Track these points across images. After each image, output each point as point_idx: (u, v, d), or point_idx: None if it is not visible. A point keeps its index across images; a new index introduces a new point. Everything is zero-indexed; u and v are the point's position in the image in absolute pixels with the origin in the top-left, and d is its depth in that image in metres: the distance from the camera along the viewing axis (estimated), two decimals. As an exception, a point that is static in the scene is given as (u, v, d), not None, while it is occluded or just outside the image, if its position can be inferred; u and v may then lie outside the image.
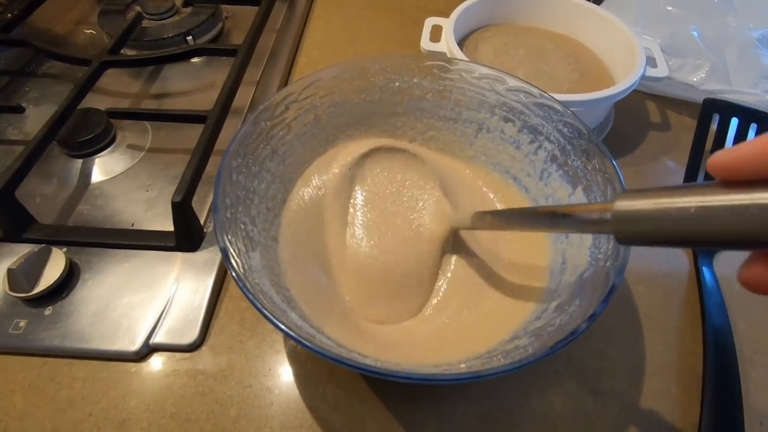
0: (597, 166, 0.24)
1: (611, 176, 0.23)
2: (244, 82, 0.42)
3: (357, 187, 0.29)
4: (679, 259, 0.33)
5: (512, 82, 0.28)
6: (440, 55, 0.39)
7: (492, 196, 0.31)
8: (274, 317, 0.17)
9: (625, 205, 0.13)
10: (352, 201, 0.29)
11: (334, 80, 0.29)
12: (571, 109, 0.33)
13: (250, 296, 0.18)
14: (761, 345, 0.29)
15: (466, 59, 0.36)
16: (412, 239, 0.27)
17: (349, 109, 0.30)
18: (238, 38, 0.50)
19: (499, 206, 0.30)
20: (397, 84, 0.30)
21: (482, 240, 0.29)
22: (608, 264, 0.20)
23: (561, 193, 0.27)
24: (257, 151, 0.26)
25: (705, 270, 0.31)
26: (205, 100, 0.42)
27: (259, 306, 0.18)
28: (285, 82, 0.46)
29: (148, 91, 0.43)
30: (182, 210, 0.29)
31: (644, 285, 0.31)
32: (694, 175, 0.35)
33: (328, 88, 0.29)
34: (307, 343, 0.17)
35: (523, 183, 0.30)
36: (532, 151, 0.29)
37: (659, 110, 0.44)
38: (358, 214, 0.28)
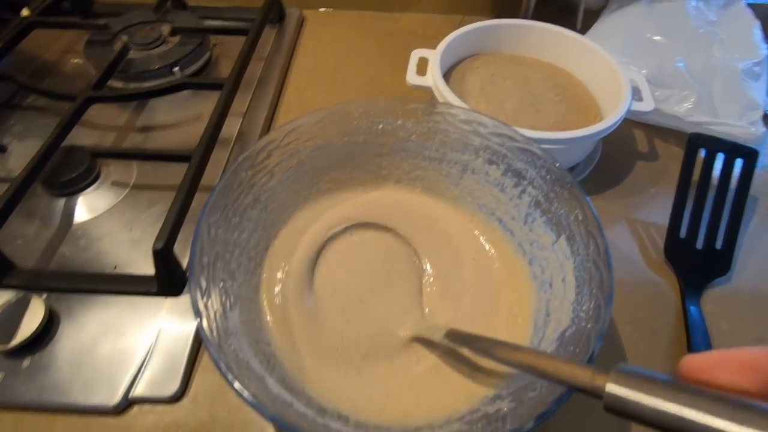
0: (580, 217, 0.24)
1: (593, 230, 0.23)
2: (231, 114, 0.41)
3: (328, 259, 0.29)
4: (666, 296, 0.33)
5: (495, 127, 0.28)
6: (426, 91, 0.39)
7: (485, 243, 0.30)
8: (245, 391, 0.17)
9: (617, 390, 0.14)
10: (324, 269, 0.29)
11: (317, 125, 0.29)
12: (558, 145, 0.34)
13: (222, 366, 0.18)
14: (749, 389, 0.28)
15: (451, 97, 0.35)
16: (376, 329, 0.26)
17: (333, 151, 0.30)
18: (226, 66, 0.50)
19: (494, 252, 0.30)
20: (381, 126, 0.30)
21: (466, 282, 0.29)
22: (589, 326, 0.20)
23: (545, 240, 0.27)
24: (238, 201, 0.26)
25: (692, 309, 0.31)
26: (192, 133, 0.42)
27: (230, 379, 0.17)
28: (272, 114, 0.45)
29: (134, 124, 0.43)
30: (164, 257, 0.28)
31: (632, 325, 0.31)
32: (681, 205, 0.35)
33: (311, 132, 0.29)
34: (279, 418, 0.17)
35: (508, 226, 0.30)
36: (516, 194, 0.29)
37: (647, 139, 0.44)
38: (330, 279, 0.28)
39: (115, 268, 0.32)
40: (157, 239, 0.28)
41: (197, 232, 0.22)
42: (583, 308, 0.21)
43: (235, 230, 0.25)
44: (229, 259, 0.24)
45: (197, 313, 0.20)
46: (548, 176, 0.26)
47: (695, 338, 0.29)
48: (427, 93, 0.40)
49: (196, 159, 0.34)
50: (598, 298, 0.21)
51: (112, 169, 0.38)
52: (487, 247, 0.30)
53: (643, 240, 0.36)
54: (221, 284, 0.23)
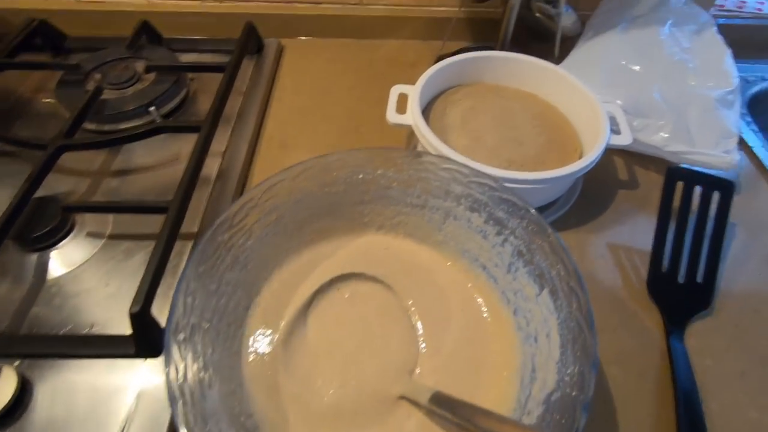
0: (562, 273, 0.24)
1: (576, 288, 0.23)
2: (211, 154, 0.41)
3: (317, 313, 0.28)
4: (650, 332, 0.33)
5: (475, 175, 0.28)
6: (406, 129, 0.39)
7: (472, 290, 0.30)
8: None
9: None
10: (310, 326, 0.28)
11: (295, 180, 0.28)
12: (538, 185, 0.34)
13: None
14: (734, 428, 0.29)
15: (431, 138, 0.35)
16: (364, 381, 0.26)
17: (312, 202, 0.30)
18: (204, 102, 0.49)
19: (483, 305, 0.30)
20: (361, 176, 0.30)
21: (455, 336, 0.28)
22: (574, 394, 0.20)
23: (528, 291, 0.27)
24: (215, 267, 0.25)
25: (676, 347, 0.31)
26: (170, 176, 0.41)
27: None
28: (253, 150, 0.45)
29: (110, 168, 0.41)
30: (141, 320, 0.28)
31: (618, 366, 0.31)
32: (662, 240, 0.35)
33: (289, 188, 0.28)
34: None
35: (491, 273, 0.29)
36: (499, 243, 0.29)
37: (627, 166, 0.45)
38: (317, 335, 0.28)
39: (91, 327, 0.31)
40: (134, 302, 0.27)
41: (173, 308, 0.21)
42: (568, 371, 0.21)
43: (213, 296, 0.25)
44: (207, 328, 0.24)
45: (172, 399, 0.19)
46: (529, 227, 0.26)
47: (680, 379, 0.30)
48: (408, 130, 0.39)
49: (173, 211, 0.33)
50: (583, 363, 0.21)
51: (87, 219, 0.37)
52: (476, 296, 0.30)
53: (626, 272, 0.37)
54: (200, 359, 0.22)
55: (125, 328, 0.30)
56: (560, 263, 0.24)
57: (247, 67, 0.52)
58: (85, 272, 0.34)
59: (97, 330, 0.31)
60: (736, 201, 0.36)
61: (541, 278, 0.26)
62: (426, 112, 0.43)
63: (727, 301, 0.35)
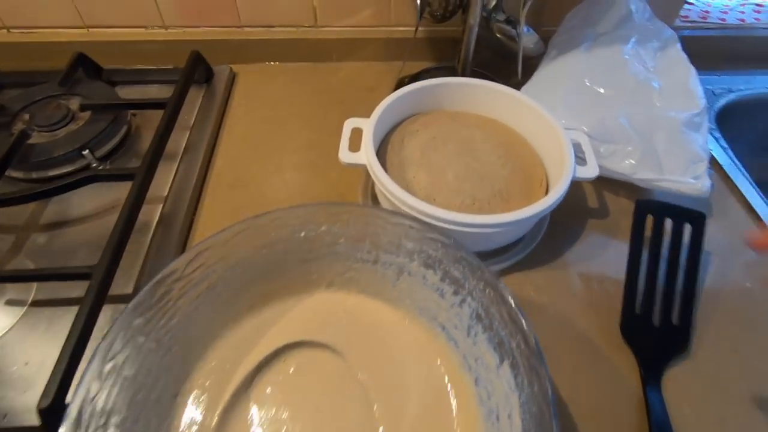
0: (522, 346, 0.21)
1: (537, 366, 0.20)
2: (151, 200, 0.38)
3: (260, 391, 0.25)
4: (626, 380, 0.31)
5: (426, 231, 0.26)
6: (359, 168, 0.36)
7: (438, 361, 0.27)
8: None
9: None
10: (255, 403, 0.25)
11: (226, 245, 0.25)
12: (500, 229, 0.31)
13: None
14: (717, 488, 0.27)
15: (386, 180, 0.32)
16: None
17: (250, 266, 0.27)
18: (148, 139, 0.45)
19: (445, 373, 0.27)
20: (303, 234, 0.27)
21: (415, 410, 0.25)
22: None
23: (489, 360, 0.24)
24: (129, 359, 0.22)
25: (653, 398, 0.29)
26: (107, 226, 0.37)
27: None
28: (199, 192, 0.41)
29: (38, 220, 0.38)
30: (52, 416, 0.24)
31: (592, 421, 0.29)
32: (634, 279, 0.33)
33: (219, 254, 0.25)
34: None
35: (451, 334, 0.27)
36: (457, 303, 0.26)
37: (596, 192, 0.43)
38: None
39: (5, 417, 0.27)
40: (43, 396, 0.24)
41: (64, 418, 0.18)
42: (530, 467, 0.19)
43: (129, 390, 0.21)
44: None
45: None
46: (486, 290, 0.24)
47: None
48: (363, 170, 0.37)
49: (98, 277, 0.29)
50: (545, 463, 0.18)
51: (7, 286, 0.33)
52: (436, 359, 0.27)
53: (600, 311, 0.34)
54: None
55: (44, 416, 0.26)
56: (520, 334, 0.22)
57: (195, 97, 0.49)
58: (2, 350, 0.30)
59: (10, 420, 0.27)
60: (708, 222, 0.34)
61: (501, 347, 0.23)
62: (383, 144, 0.40)
63: (704, 341, 0.33)
